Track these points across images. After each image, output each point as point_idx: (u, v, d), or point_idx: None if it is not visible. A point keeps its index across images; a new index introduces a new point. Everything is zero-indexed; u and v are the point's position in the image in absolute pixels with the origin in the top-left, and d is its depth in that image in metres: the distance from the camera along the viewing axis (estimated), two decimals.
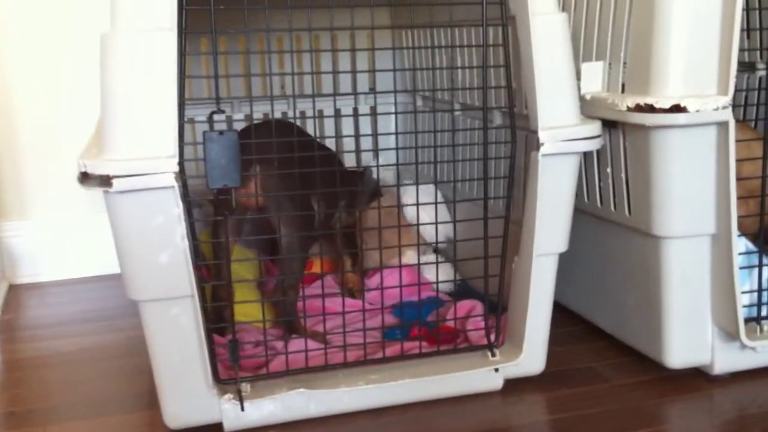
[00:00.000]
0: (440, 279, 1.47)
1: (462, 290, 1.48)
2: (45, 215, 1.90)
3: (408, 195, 1.54)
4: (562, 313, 1.52)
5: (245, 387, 1.12)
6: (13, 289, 1.85)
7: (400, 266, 1.26)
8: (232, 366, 1.11)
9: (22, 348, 1.51)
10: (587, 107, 1.22)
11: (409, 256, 1.52)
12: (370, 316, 1.37)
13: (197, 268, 1.06)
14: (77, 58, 1.84)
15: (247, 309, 1.28)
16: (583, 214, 1.38)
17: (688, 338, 1.24)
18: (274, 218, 1.20)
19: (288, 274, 1.24)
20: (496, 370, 1.22)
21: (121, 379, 1.33)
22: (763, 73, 1.54)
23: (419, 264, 1.26)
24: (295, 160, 1.12)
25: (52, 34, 1.83)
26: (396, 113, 1.20)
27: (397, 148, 1.17)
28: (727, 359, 1.25)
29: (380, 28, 1.74)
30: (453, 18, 1.28)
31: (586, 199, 1.37)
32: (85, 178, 1.01)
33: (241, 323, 1.25)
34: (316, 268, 1.56)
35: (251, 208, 1.20)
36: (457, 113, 1.54)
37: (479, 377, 1.22)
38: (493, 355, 1.21)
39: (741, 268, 1.21)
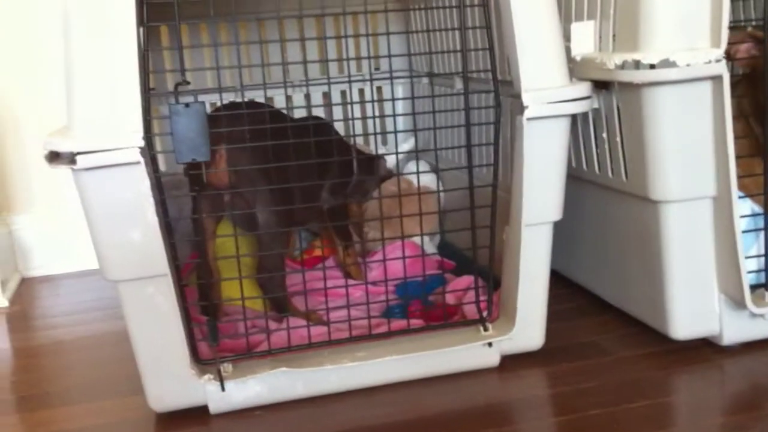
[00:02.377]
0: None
1: (465, 265, 1.43)
2: (53, 207, 1.90)
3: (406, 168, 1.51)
4: (568, 288, 1.47)
5: (226, 367, 1.09)
6: (25, 282, 1.86)
7: (403, 238, 1.21)
8: (211, 346, 1.09)
9: (23, 338, 1.51)
10: (578, 69, 1.16)
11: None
12: (371, 296, 1.33)
13: (171, 246, 1.04)
14: None
15: (237, 289, 1.26)
16: (584, 182, 1.33)
17: (694, 308, 1.18)
18: (248, 196, 1.17)
19: (268, 252, 1.21)
20: (490, 345, 1.18)
21: (116, 365, 1.32)
22: None
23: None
24: (267, 134, 1.09)
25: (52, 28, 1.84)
26: (371, 79, 1.15)
27: (372, 116, 1.13)
28: (736, 329, 1.19)
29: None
30: None
31: (585, 167, 1.32)
32: (53, 157, 0.99)
33: (232, 302, 1.23)
34: (318, 252, 1.54)
35: (222, 186, 1.17)
36: (447, 81, 1.49)
37: (473, 353, 1.18)
38: (485, 329, 1.17)
39: (746, 231, 1.15)
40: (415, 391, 1.16)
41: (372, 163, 1.47)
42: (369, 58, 1.01)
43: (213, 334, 1.07)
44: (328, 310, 1.14)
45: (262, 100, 1.16)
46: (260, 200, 1.17)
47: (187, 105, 0.98)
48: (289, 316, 1.22)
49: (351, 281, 1.42)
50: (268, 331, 1.12)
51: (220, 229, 1.28)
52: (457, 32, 1.08)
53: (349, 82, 1.04)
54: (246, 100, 1.19)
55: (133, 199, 1.00)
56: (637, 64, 1.05)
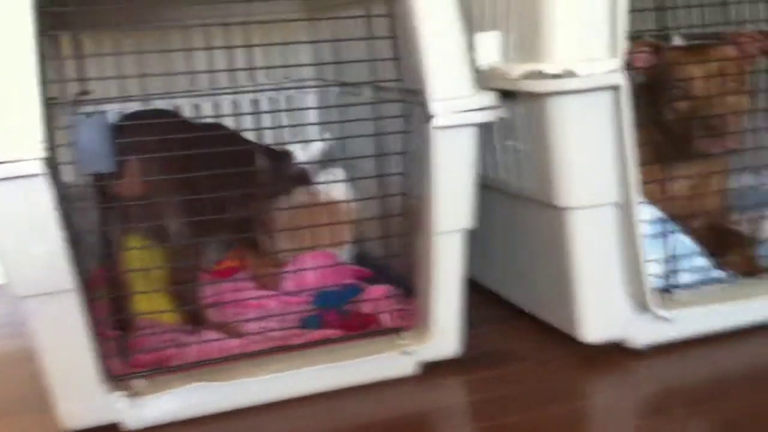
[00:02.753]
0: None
1: (381, 274, 1.44)
2: None
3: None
4: (484, 295, 1.49)
5: (140, 383, 1.07)
6: None
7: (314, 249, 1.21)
8: (123, 361, 1.07)
9: None
10: (485, 79, 1.18)
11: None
12: (287, 307, 1.33)
13: (78, 260, 1.02)
14: None
15: (149, 302, 1.24)
16: (495, 190, 1.35)
17: (602, 312, 1.21)
18: (157, 207, 1.15)
19: (180, 263, 1.20)
20: (407, 353, 1.18)
21: (25, 382, 1.27)
22: None
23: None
24: (176, 144, 1.08)
25: None
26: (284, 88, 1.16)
27: (280, 126, 1.13)
28: (645, 332, 1.22)
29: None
30: None
31: (494, 175, 1.34)
32: None
33: (145, 315, 1.21)
34: (230, 263, 1.52)
35: (131, 197, 1.15)
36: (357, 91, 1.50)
37: (391, 362, 1.18)
38: (402, 338, 1.17)
39: (651, 236, 1.18)
40: (334, 402, 1.16)
41: (281, 158, 1.45)
42: (278, 67, 1.02)
43: (123, 349, 1.05)
44: (243, 321, 1.14)
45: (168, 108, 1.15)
46: (170, 211, 1.16)
47: (88, 115, 0.97)
48: (203, 328, 1.21)
49: (266, 292, 1.41)
50: (182, 345, 1.11)
51: (129, 241, 1.25)
52: (364, 42, 1.09)
53: (259, 91, 1.04)
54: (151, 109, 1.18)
55: (37, 211, 0.98)
56: (539, 74, 1.08)
